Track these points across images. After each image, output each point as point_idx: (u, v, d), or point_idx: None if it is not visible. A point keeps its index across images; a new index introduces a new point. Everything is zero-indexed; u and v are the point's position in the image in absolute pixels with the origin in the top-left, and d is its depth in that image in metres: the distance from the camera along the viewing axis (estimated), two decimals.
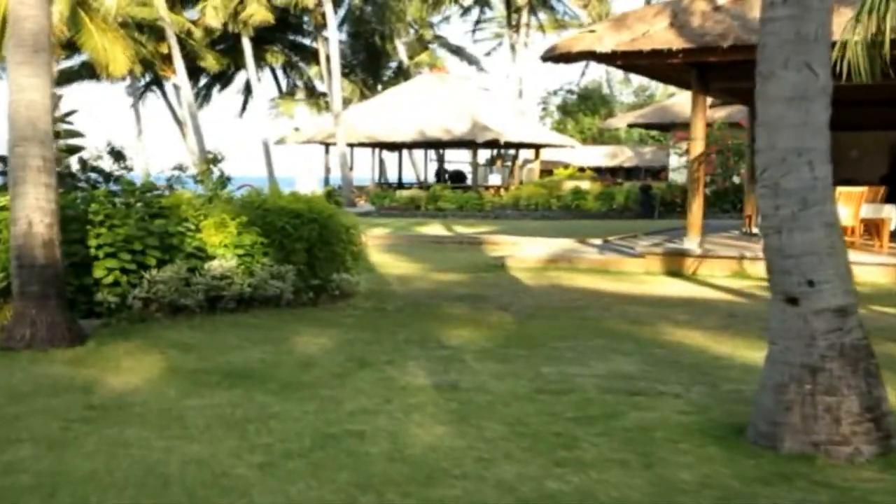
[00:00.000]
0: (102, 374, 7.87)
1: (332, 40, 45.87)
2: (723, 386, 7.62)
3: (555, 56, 15.98)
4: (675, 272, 15.78)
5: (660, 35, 15.35)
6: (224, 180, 12.98)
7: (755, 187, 17.90)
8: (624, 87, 78.26)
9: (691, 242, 16.29)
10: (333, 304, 12.07)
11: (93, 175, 12.17)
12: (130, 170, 12.82)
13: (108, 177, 11.92)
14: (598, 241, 20.34)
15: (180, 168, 13.29)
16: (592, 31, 15.79)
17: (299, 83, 61.93)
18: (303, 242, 11.85)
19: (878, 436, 5.74)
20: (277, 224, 11.72)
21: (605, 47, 15.32)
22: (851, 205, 16.35)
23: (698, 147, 16.62)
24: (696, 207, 16.56)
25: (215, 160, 13.18)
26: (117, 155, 12.59)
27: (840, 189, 16.17)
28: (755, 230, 19.61)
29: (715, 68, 16.29)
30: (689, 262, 15.91)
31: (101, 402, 7.00)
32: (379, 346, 9.24)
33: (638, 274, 15.86)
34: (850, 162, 23.07)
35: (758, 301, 12.70)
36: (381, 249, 20.81)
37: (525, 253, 18.05)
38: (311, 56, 57.06)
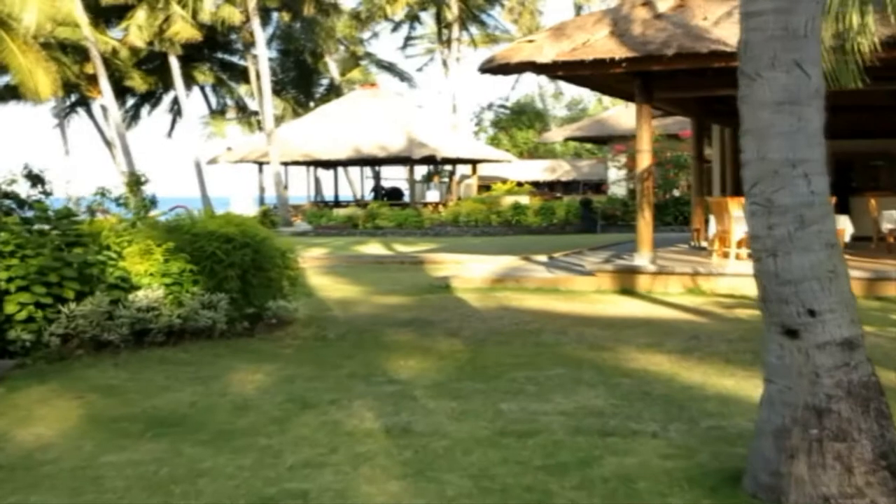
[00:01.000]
0: (10, 427, 6.98)
1: (262, 58, 44.95)
2: (702, 422, 6.92)
3: (493, 67, 15.29)
4: (627, 290, 15.15)
5: (601, 44, 14.73)
6: (149, 203, 12.10)
7: (700, 200, 17.39)
8: (556, 101, 78.22)
9: (643, 259, 15.66)
10: (271, 334, 11.24)
11: (6, 201, 11.19)
12: (49, 194, 11.86)
13: (22, 203, 10.96)
14: (543, 258, 19.74)
15: (102, 192, 12.39)
16: (531, 42, 15.12)
17: (230, 102, 60.94)
18: (235, 269, 11.02)
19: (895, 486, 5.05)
20: (208, 249, 10.88)
21: (545, 57, 14.66)
22: None
23: (645, 159, 16.02)
24: (646, 222, 15.95)
25: (139, 181, 12.29)
26: (34, 179, 11.64)
27: None
28: (703, 243, 19.09)
29: (659, 77, 15.73)
30: (642, 280, 15.29)
31: (7, 460, 6.15)
32: (321, 382, 8.44)
33: (589, 293, 15.19)
34: None
35: (718, 320, 12.13)
36: (319, 271, 20.00)
37: (470, 272, 17.33)
38: (241, 74, 56.12)
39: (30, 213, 11.16)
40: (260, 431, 6.75)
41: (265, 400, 7.71)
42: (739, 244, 16.19)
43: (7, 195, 11.09)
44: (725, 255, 16.29)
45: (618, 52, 14.30)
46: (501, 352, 10.07)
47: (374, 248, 28.27)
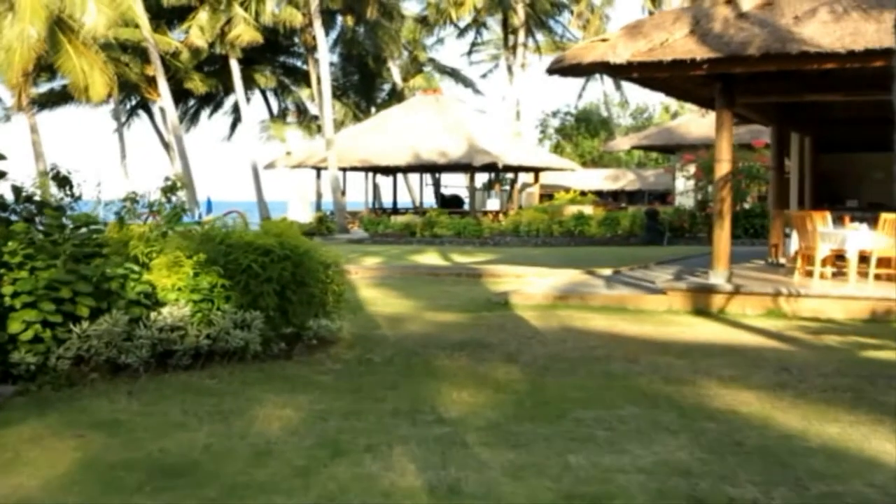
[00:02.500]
0: None
1: (323, 61, 44.09)
2: (812, 486, 5.74)
3: (563, 67, 14.15)
4: (701, 310, 13.95)
5: (680, 44, 13.54)
6: (180, 211, 11.10)
7: (778, 213, 16.10)
8: (621, 109, 76.99)
9: (719, 276, 14.44)
10: (310, 356, 10.18)
11: (28, 205, 10.22)
12: (77, 198, 10.89)
13: (42, 206, 9.96)
14: (607, 272, 18.59)
15: (133, 198, 11.40)
16: (605, 40, 13.93)
17: (291, 106, 60.26)
18: (273, 284, 9.96)
19: None
20: (242, 262, 9.84)
21: (619, 58, 13.49)
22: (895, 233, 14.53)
23: (724, 169, 14.77)
24: (724, 237, 14.70)
25: (173, 187, 11.27)
26: (61, 181, 10.68)
27: (885, 216, 14.41)
28: (782, 260, 17.80)
29: (742, 81, 14.52)
30: (718, 300, 14.07)
31: None
32: (359, 420, 7.35)
33: (660, 312, 14.01)
34: (875, 184, 21.32)
35: (807, 348, 10.90)
36: (371, 283, 18.97)
37: (531, 288, 16.20)
38: (303, 78, 55.44)
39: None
40: (279, 486, 5.68)
41: (291, 444, 6.63)
42: (825, 262, 14.92)
43: (29, 198, 10.12)
44: (808, 275, 15.04)
45: (698, 52, 13.12)
46: (565, 383, 8.94)
47: (430, 257, 27.20)
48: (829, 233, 14.83)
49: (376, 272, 21.34)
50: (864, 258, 14.69)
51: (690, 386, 8.76)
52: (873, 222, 15.01)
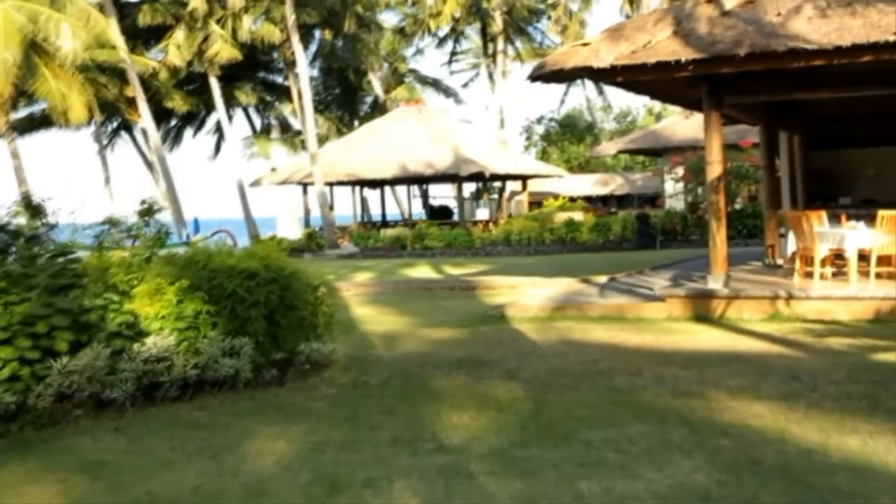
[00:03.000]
0: None
1: (303, 76, 43.78)
2: None
3: (545, 74, 13.83)
4: (701, 316, 13.63)
5: (664, 45, 13.24)
6: (163, 235, 10.75)
7: (773, 214, 15.79)
8: (605, 114, 76.81)
9: (717, 281, 14.12)
10: (304, 382, 9.82)
11: (3, 236, 9.86)
12: (53, 226, 10.53)
13: (15, 236, 9.60)
14: (603, 280, 18.27)
15: (112, 221, 11.03)
16: (587, 44, 13.63)
17: (274, 122, 59.89)
18: (260, 308, 9.60)
19: None
20: (227, 287, 9.49)
21: (602, 62, 13.18)
22: (895, 230, 14.21)
23: (715, 171, 14.47)
24: (720, 240, 14.37)
25: (150, 210, 10.91)
26: (34, 210, 10.33)
27: (883, 213, 14.12)
28: (779, 261, 17.49)
29: (728, 81, 14.22)
30: (717, 305, 13.75)
31: None
32: (356, 451, 6.99)
33: (660, 320, 13.68)
34: (867, 180, 21.08)
35: (814, 353, 10.58)
36: (364, 300, 18.63)
37: (527, 300, 15.85)
38: (284, 93, 55.16)
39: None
40: None
41: (286, 480, 6.26)
42: (824, 263, 14.61)
43: (2, 228, 9.76)
44: (808, 276, 14.72)
45: (683, 53, 12.82)
46: (569, 401, 8.60)
47: (422, 271, 26.86)
48: (826, 232, 14.52)
49: (368, 288, 20.98)
50: (862, 257, 14.37)
51: (699, 399, 8.43)
52: (870, 220, 14.72)
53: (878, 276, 14.14)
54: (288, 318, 9.93)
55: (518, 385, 9.44)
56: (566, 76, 14.29)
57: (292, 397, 9.13)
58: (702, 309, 13.77)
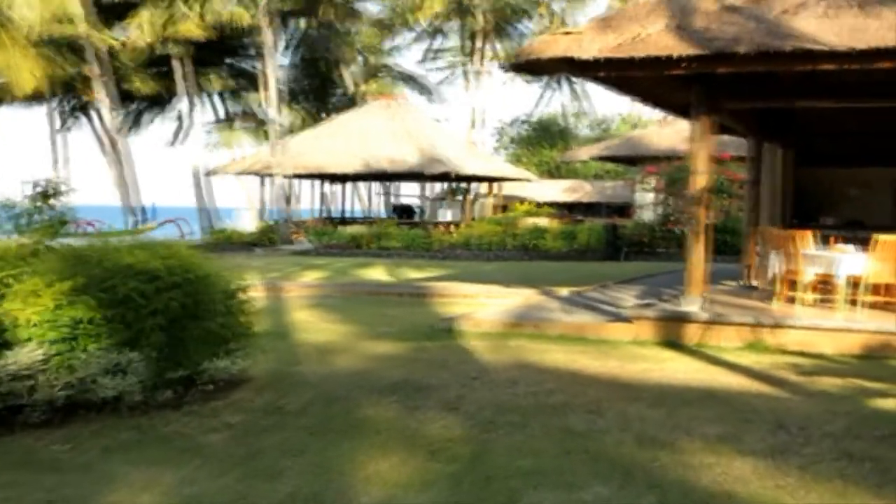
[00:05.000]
0: None
1: (270, 64, 42.20)
2: None
3: (522, 64, 12.34)
4: (672, 342, 12.24)
5: (656, 39, 11.75)
6: (59, 223, 9.24)
7: (754, 232, 14.39)
8: (579, 120, 75.67)
9: (692, 303, 12.72)
10: (206, 405, 8.34)
11: None
12: None
13: None
14: (565, 293, 16.96)
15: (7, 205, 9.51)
16: (570, 34, 12.15)
17: (241, 111, 58.15)
18: (160, 317, 8.12)
19: None
20: (121, 291, 8.00)
21: (586, 53, 11.70)
22: (891, 257, 12.85)
23: (701, 182, 13.05)
24: (699, 259, 12.99)
25: (46, 194, 9.40)
26: None
27: (878, 237, 12.77)
28: (755, 282, 16.16)
29: (724, 84, 12.84)
30: (691, 330, 12.36)
31: None
32: None
33: (625, 344, 12.28)
34: (852, 201, 19.79)
35: (802, 395, 9.21)
36: (306, 303, 17.13)
37: (480, 313, 14.38)
38: (254, 82, 53.41)
39: None
40: None
41: None
42: (809, 288, 13.26)
43: None
44: (790, 301, 13.38)
45: (677, 48, 11.34)
46: (515, 445, 7.17)
47: (376, 272, 25.36)
48: (815, 255, 13.16)
49: (314, 290, 19.47)
50: (849, 283, 13.03)
51: (670, 451, 7.02)
52: (860, 243, 13.42)
53: (869, 305, 12.81)
54: (192, 329, 8.43)
55: (457, 420, 8.00)
56: (545, 67, 12.75)
57: (185, 426, 7.65)
58: (673, 333, 12.38)
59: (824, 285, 13.73)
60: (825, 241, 14.26)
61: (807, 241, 13.51)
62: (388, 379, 9.75)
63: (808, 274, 13.03)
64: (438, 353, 11.46)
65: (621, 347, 12.04)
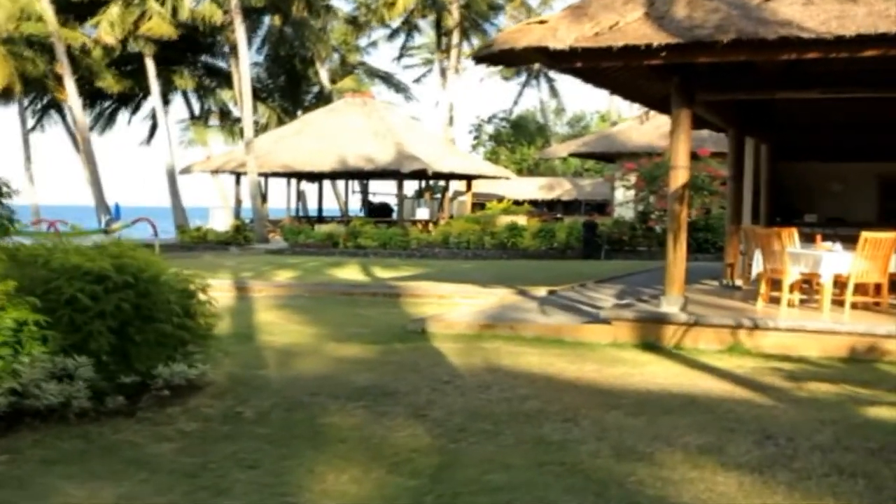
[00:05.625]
0: None
1: (243, 59, 41.65)
2: None
3: (493, 54, 11.90)
4: (651, 344, 11.81)
5: (634, 28, 11.30)
6: (6, 222, 8.74)
7: (736, 230, 13.99)
8: (557, 117, 75.42)
9: (672, 304, 12.30)
10: (161, 411, 7.87)
11: None
12: None
13: None
14: (542, 292, 16.53)
15: None
16: (543, 22, 11.68)
17: (214, 109, 57.56)
18: (107, 320, 7.64)
19: None
20: (67, 292, 7.52)
21: (560, 43, 11.23)
22: (879, 256, 12.47)
23: (681, 178, 12.63)
24: (678, 258, 12.58)
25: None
26: None
27: (866, 235, 12.38)
28: (738, 282, 15.76)
29: (703, 74, 12.46)
30: (670, 331, 11.94)
31: None
32: None
33: (603, 346, 11.85)
34: (833, 197, 19.46)
35: (788, 402, 8.79)
36: (275, 304, 16.66)
37: (453, 314, 13.95)
38: (226, 79, 52.89)
39: None
40: None
41: None
42: (793, 288, 12.86)
43: None
44: (773, 301, 12.98)
45: (655, 37, 10.88)
46: (485, 456, 6.73)
47: (350, 272, 24.84)
48: (800, 254, 12.76)
49: (284, 290, 18.98)
50: (835, 283, 12.64)
51: (648, 464, 6.58)
52: (841, 241, 13.04)
53: (854, 306, 12.42)
54: (145, 332, 7.96)
55: (425, 428, 7.56)
56: (518, 58, 12.27)
57: (136, 434, 7.18)
58: (652, 335, 11.96)
59: (808, 285, 13.37)
60: (808, 239, 13.88)
61: (792, 239, 13.12)
62: (356, 383, 9.31)
63: (793, 273, 12.63)
64: (409, 356, 11.02)
65: (599, 350, 11.62)
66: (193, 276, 9.06)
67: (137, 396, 7.99)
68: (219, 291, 18.48)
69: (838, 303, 12.54)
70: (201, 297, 9.05)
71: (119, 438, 7.06)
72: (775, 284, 13.12)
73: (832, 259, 12.38)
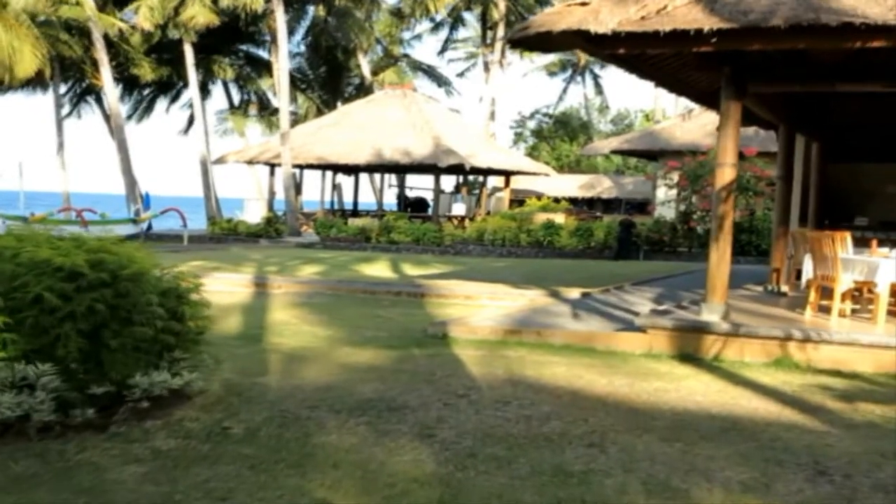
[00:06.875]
0: None
1: (282, 48, 40.94)
2: None
3: (528, 37, 10.91)
4: (689, 356, 10.88)
5: (683, 12, 10.28)
6: None
7: (784, 232, 12.94)
8: (601, 114, 74.40)
9: (713, 312, 11.34)
10: (139, 425, 7.05)
11: None
12: None
13: None
14: (575, 294, 15.66)
15: None
16: (585, 4, 10.69)
17: (253, 98, 56.93)
18: (80, 322, 6.82)
19: None
20: (33, 290, 6.71)
21: (602, 26, 10.24)
22: None
23: (727, 175, 11.65)
24: (722, 263, 11.62)
25: None
26: None
27: None
28: (784, 288, 14.78)
29: (756, 64, 11.48)
30: (711, 342, 11.00)
31: None
32: None
33: (636, 357, 10.93)
34: (887, 199, 18.38)
35: (843, 427, 7.82)
36: (293, 301, 15.90)
37: (477, 318, 13.06)
38: (266, 68, 52.20)
39: None
40: None
41: None
42: (845, 297, 11.88)
43: None
44: (822, 311, 12.01)
45: (706, 22, 9.86)
46: (493, 489, 5.88)
47: (378, 268, 24.01)
48: (854, 260, 11.76)
49: (304, 287, 18.18)
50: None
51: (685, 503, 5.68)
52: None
53: None
54: (122, 336, 7.12)
55: (431, 452, 6.70)
56: (555, 42, 11.21)
57: (102, 454, 6.35)
58: (691, 346, 11.03)
59: (859, 294, 12.39)
60: (860, 243, 12.90)
61: (844, 244, 12.14)
62: (361, 395, 8.47)
63: (846, 281, 11.64)
64: (425, 364, 10.17)
65: (632, 361, 10.71)
66: (184, 274, 8.23)
67: (112, 408, 7.16)
68: (237, 287, 17.93)
69: (892, 313, 11.59)
70: (193, 297, 8.20)
71: (81, 459, 6.24)
72: (825, 292, 12.16)
73: (890, 266, 11.36)
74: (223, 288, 17.41)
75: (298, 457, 6.50)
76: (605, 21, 10.26)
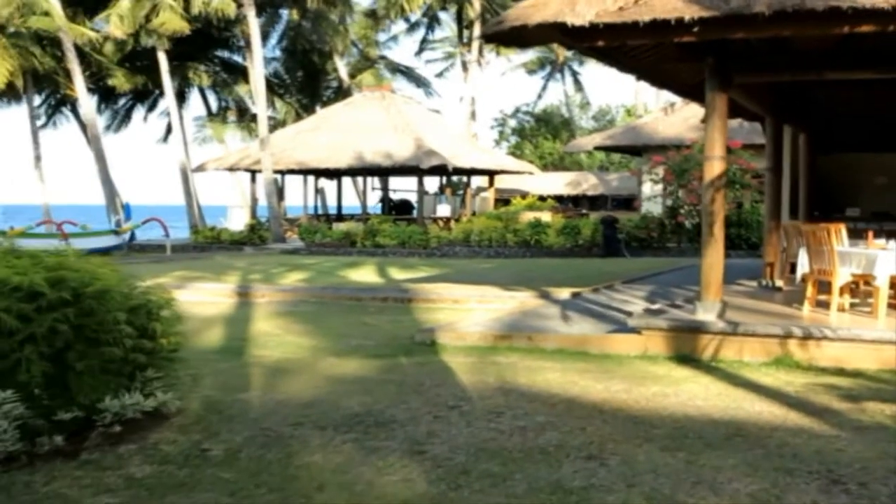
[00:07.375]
0: None
1: (256, 53, 40.46)
2: None
3: (504, 32, 10.54)
4: (687, 357, 10.52)
5: (662, 1, 9.93)
6: None
7: (776, 225, 12.53)
8: (583, 111, 74.14)
9: (709, 311, 10.99)
10: (112, 450, 6.64)
11: None
12: None
13: None
14: (565, 295, 15.29)
15: None
16: None
17: (231, 104, 56.43)
18: (41, 344, 6.41)
19: None
20: None
21: (579, 18, 9.87)
22: None
23: (716, 169, 11.30)
24: (715, 260, 11.26)
25: None
26: None
27: None
28: (778, 283, 14.45)
29: (741, 53, 11.15)
30: (707, 342, 10.64)
31: None
32: None
33: (632, 359, 10.57)
34: (877, 190, 18.12)
35: (854, 431, 7.44)
36: (277, 311, 15.50)
37: (466, 324, 12.66)
38: (242, 74, 51.75)
39: None
40: None
41: None
42: (842, 291, 11.54)
43: None
44: (820, 306, 11.67)
45: (687, 10, 9.50)
46: None
47: (364, 273, 23.58)
48: (851, 253, 11.42)
49: (290, 295, 17.78)
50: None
51: None
52: (888, 237, 11.76)
53: None
54: (88, 357, 6.71)
55: (422, 469, 6.32)
56: (531, 36, 10.80)
57: (71, 485, 5.94)
58: (688, 346, 10.66)
59: (856, 287, 12.05)
60: (855, 235, 12.58)
61: (840, 237, 11.80)
62: (348, 409, 8.07)
63: (844, 274, 11.29)
64: (414, 374, 9.78)
65: (628, 364, 10.34)
66: (154, 289, 7.81)
67: (83, 434, 6.76)
68: (220, 297, 17.53)
69: (892, 306, 11.26)
70: (165, 313, 7.79)
71: (50, 490, 5.84)
72: (822, 286, 11.82)
73: (888, 258, 11.01)
74: (206, 298, 17.06)
75: (279, 480, 6.11)
76: (582, 13, 9.88)
